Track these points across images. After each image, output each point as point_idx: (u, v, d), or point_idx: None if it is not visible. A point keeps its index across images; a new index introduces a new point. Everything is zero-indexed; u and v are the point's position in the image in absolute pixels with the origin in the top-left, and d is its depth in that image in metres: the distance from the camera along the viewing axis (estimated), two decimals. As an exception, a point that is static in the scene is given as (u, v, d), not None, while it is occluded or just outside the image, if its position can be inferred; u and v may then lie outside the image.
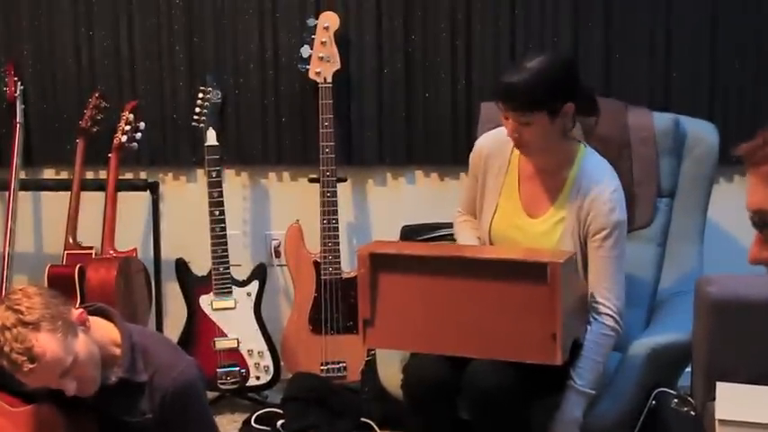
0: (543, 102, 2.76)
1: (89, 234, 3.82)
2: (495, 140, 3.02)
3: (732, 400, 2.57)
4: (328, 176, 3.77)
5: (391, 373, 3.04)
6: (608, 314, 2.85)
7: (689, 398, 2.83)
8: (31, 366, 2.24)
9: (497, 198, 2.99)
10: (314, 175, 3.85)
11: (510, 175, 2.98)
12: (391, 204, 4.06)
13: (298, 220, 3.90)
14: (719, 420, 2.49)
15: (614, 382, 2.94)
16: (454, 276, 2.72)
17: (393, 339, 2.85)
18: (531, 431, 2.83)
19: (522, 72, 2.76)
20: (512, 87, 2.75)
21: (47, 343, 2.25)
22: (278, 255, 4.09)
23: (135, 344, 2.49)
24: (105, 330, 2.49)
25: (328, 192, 3.77)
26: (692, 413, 2.73)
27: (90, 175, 4.02)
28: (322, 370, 3.83)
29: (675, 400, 2.79)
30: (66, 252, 3.77)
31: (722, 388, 2.63)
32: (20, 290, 2.33)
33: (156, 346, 2.55)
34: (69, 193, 3.83)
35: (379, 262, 2.78)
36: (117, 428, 2.47)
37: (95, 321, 2.46)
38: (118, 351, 2.47)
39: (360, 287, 2.81)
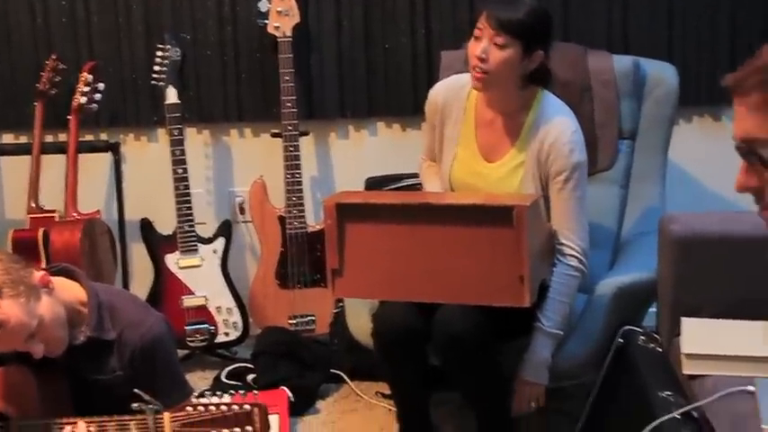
0: (526, 34, 2.77)
1: (52, 197, 3.78)
2: (450, 88, 3.02)
3: (697, 334, 2.62)
4: (290, 131, 3.75)
5: (361, 324, 3.06)
6: (572, 255, 2.87)
7: (655, 334, 2.86)
8: None
9: (455, 146, 2.99)
10: (276, 131, 3.83)
11: (466, 121, 2.98)
12: (354, 157, 4.06)
13: (261, 176, 3.89)
14: (685, 354, 2.54)
15: (581, 323, 2.97)
16: (421, 223, 2.73)
17: (362, 288, 2.87)
18: (501, 374, 2.86)
19: (518, 2, 2.78)
20: (509, 6, 2.77)
21: (10, 309, 2.23)
22: (243, 211, 4.08)
23: (101, 302, 2.47)
24: (71, 290, 2.47)
25: (291, 146, 3.76)
26: (659, 349, 2.77)
27: (50, 138, 3.96)
28: (291, 324, 3.85)
29: (642, 337, 2.82)
30: (29, 216, 3.73)
31: (687, 323, 2.68)
32: None
33: (123, 303, 2.54)
34: (30, 157, 3.78)
35: (346, 212, 2.79)
36: (87, 387, 2.46)
37: (60, 282, 2.44)
38: (85, 310, 2.45)
39: (327, 238, 2.82)
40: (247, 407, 2.25)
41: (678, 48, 3.78)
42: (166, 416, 2.27)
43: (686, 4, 3.77)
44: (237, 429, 2.24)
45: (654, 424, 2.31)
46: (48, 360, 2.39)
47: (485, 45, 2.77)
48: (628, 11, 3.78)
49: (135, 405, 2.28)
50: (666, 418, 2.32)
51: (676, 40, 3.78)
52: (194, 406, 2.27)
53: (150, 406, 2.27)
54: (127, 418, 2.31)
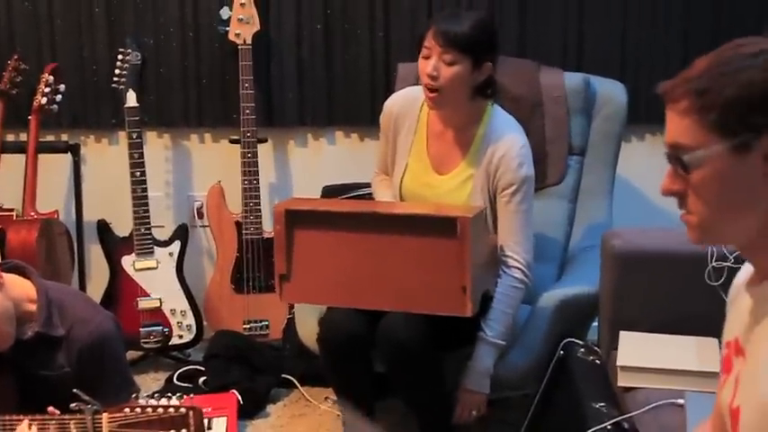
0: (474, 48, 2.83)
1: (11, 196, 3.81)
2: (404, 100, 3.08)
3: (633, 347, 2.68)
4: (249, 137, 3.80)
5: (309, 330, 3.10)
6: (517, 267, 2.93)
7: (596, 347, 2.93)
8: None
9: (407, 157, 3.05)
10: (235, 137, 3.88)
11: (419, 133, 3.04)
12: (312, 165, 4.11)
13: (219, 181, 3.93)
14: (620, 367, 2.61)
15: (524, 334, 3.04)
16: (368, 232, 2.79)
17: (309, 294, 2.92)
18: (443, 382, 2.91)
19: (462, 17, 2.85)
20: (454, 21, 2.83)
21: None
22: (201, 216, 4.12)
23: (51, 299, 2.49)
24: (21, 287, 2.48)
25: (249, 153, 3.81)
26: (598, 362, 2.83)
27: (11, 137, 3.99)
28: (245, 329, 3.89)
29: (582, 350, 2.88)
30: (-14, 214, 3.77)
31: (624, 336, 2.74)
32: None
33: (72, 300, 2.56)
34: (-9, 155, 3.82)
35: (295, 218, 2.84)
36: (34, 382, 2.47)
37: (10, 278, 2.46)
38: (34, 307, 2.47)
39: (276, 243, 2.87)
40: (183, 410, 2.27)
41: (631, 67, 3.85)
42: (105, 416, 2.29)
43: (640, 25, 3.84)
44: (173, 431, 2.27)
45: (585, 433, 2.37)
46: (-8, 355, 2.41)
47: (434, 62, 2.83)
48: (583, 29, 3.86)
49: (74, 405, 2.30)
50: (597, 428, 2.39)
51: (629, 60, 3.86)
52: (132, 407, 2.29)
53: (89, 406, 2.30)
54: (67, 417, 2.32)
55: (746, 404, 1.44)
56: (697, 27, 3.82)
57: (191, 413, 2.27)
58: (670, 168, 1.47)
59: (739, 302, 1.56)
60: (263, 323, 3.90)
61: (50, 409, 2.33)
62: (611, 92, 3.47)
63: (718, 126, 1.40)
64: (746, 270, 1.57)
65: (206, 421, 3.28)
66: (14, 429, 2.34)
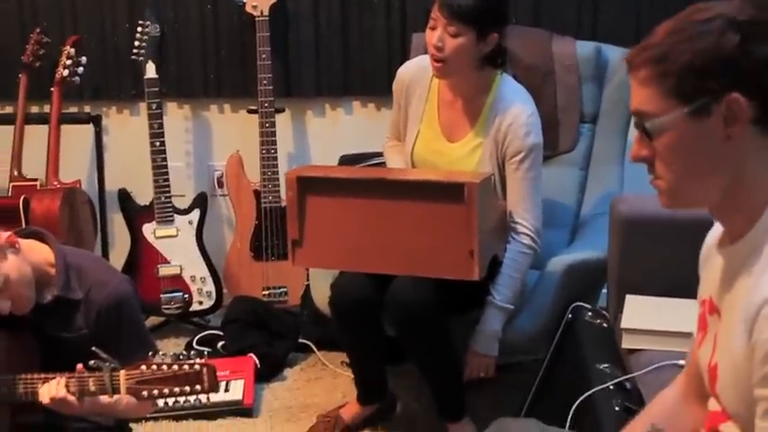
0: (478, 19, 2.85)
1: (35, 167, 3.89)
2: (416, 68, 3.12)
3: (638, 310, 2.72)
4: (266, 108, 3.86)
5: (323, 295, 3.15)
6: (525, 233, 2.98)
7: (604, 311, 2.97)
8: None
9: (418, 124, 3.10)
10: (253, 107, 3.93)
11: (430, 101, 3.09)
12: (329, 134, 4.17)
13: (238, 151, 4.00)
14: (624, 329, 2.65)
15: (533, 299, 3.08)
16: (378, 197, 2.84)
17: (320, 259, 2.98)
18: (451, 344, 2.97)
19: None
20: None
21: None
22: (221, 185, 4.19)
23: (69, 263, 2.56)
24: (39, 252, 2.55)
25: (267, 122, 3.87)
26: (605, 325, 2.88)
27: (35, 109, 4.07)
28: (264, 295, 3.96)
29: (590, 314, 2.92)
30: (11, 184, 3.84)
31: (630, 300, 2.78)
32: None
33: (89, 264, 2.62)
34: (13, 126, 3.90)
35: (307, 185, 2.90)
36: (55, 344, 2.55)
37: (28, 243, 2.53)
38: (52, 271, 2.53)
39: (288, 209, 2.93)
40: (197, 367, 2.35)
41: (645, 36, 3.84)
42: (122, 373, 2.36)
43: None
44: (187, 387, 2.33)
45: (587, 394, 2.42)
46: (16, 318, 2.48)
47: (440, 34, 2.87)
48: (597, -1, 3.88)
49: (92, 362, 2.38)
50: (599, 388, 2.44)
51: (643, 29, 3.81)
52: (148, 365, 2.37)
53: (107, 363, 2.37)
54: (85, 374, 2.40)
55: (722, 362, 1.49)
56: (711, -5, 3.82)
57: (204, 370, 2.34)
58: (637, 135, 1.51)
59: (711, 262, 1.60)
60: (282, 289, 3.96)
61: (79, 366, 2.40)
62: (623, 60, 3.47)
63: (676, 92, 1.43)
64: (717, 230, 1.61)
65: (223, 384, 3.38)
66: (37, 388, 2.43)
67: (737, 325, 1.42)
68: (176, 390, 2.33)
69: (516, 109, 2.95)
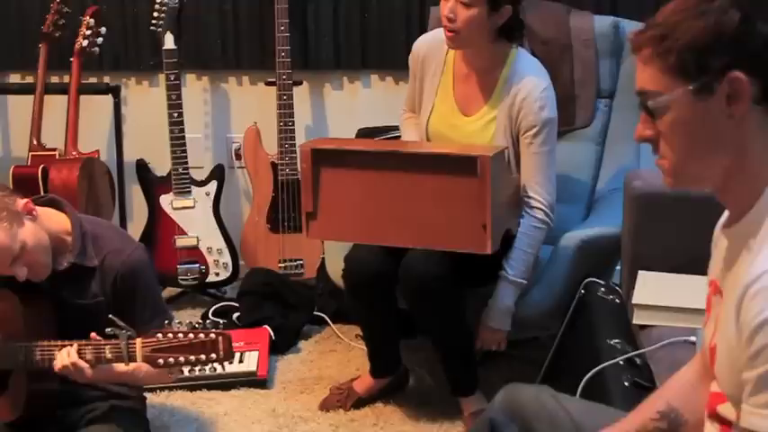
0: None
1: (54, 137, 3.91)
2: (431, 42, 3.12)
3: (650, 286, 2.72)
4: (284, 80, 3.86)
5: (338, 268, 3.16)
6: (539, 208, 2.98)
7: (617, 287, 2.97)
8: None
9: (433, 98, 3.10)
10: (271, 79, 3.94)
11: (445, 75, 3.09)
12: (347, 107, 4.17)
13: (255, 123, 4.01)
14: (635, 305, 2.65)
15: (546, 273, 3.09)
16: (392, 170, 2.85)
17: (334, 231, 3.00)
18: (464, 317, 2.98)
19: None
20: None
21: None
22: (238, 157, 4.21)
23: (85, 231, 2.59)
24: (56, 220, 2.58)
25: (284, 95, 3.87)
26: (617, 300, 2.88)
27: (55, 79, 4.10)
28: (280, 267, 3.97)
29: (603, 289, 2.92)
30: (30, 153, 3.87)
31: (642, 276, 2.78)
32: None
33: (105, 232, 2.65)
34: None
35: (321, 157, 2.91)
36: (71, 311, 2.58)
37: (45, 211, 2.56)
38: (69, 238, 2.56)
39: (302, 181, 2.95)
40: (213, 335, 2.37)
41: (665, 11, 3.82)
42: (138, 341, 2.39)
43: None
44: (203, 355, 2.36)
45: (596, 369, 2.43)
46: (33, 285, 2.51)
47: (452, 4, 2.87)
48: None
49: (109, 330, 2.41)
50: (609, 363, 2.44)
51: (663, 4, 3.82)
52: (164, 333, 2.39)
53: (123, 331, 2.40)
54: (102, 342, 2.43)
55: (720, 343, 1.49)
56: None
57: (220, 338, 2.36)
58: (642, 115, 1.51)
59: (719, 244, 1.60)
60: (298, 262, 3.98)
61: (93, 334, 2.43)
62: (627, 39, 3.46)
63: (678, 70, 1.43)
64: (727, 212, 1.61)
65: (238, 355, 3.40)
66: (54, 355, 2.46)
67: (731, 306, 1.43)
68: (192, 358, 2.36)
69: (530, 83, 2.94)
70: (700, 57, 1.41)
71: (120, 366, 2.48)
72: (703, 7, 1.42)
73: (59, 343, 2.48)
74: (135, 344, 2.40)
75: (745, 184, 1.46)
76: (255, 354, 3.46)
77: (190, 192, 3.93)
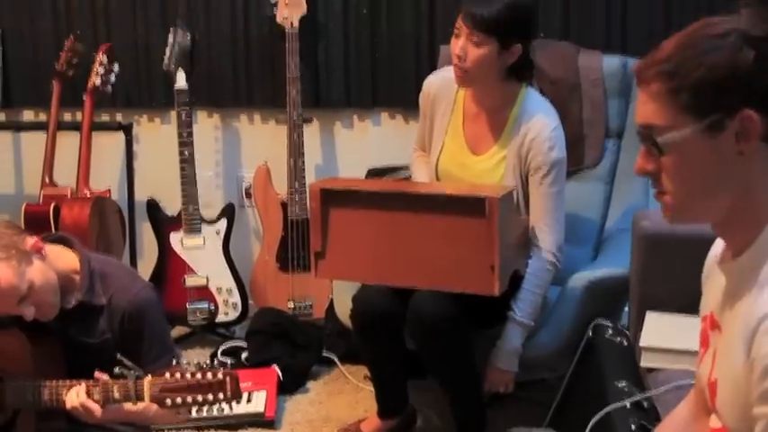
0: (501, 30, 2.85)
1: (66, 174, 3.94)
2: (441, 81, 3.12)
3: (657, 328, 2.70)
4: (295, 118, 3.88)
5: (346, 308, 3.16)
6: (547, 249, 2.97)
7: (625, 329, 2.95)
8: None
9: (443, 137, 3.10)
10: (282, 117, 3.95)
11: (455, 114, 3.09)
12: (357, 146, 4.18)
13: (266, 162, 4.02)
14: (642, 347, 2.63)
15: (554, 315, 3.07)
16: (400, 210, 2.85)
17: (342, 271, 2.99)
18: (472, 359, 2.96)
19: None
20: (484, 3, 2.85)
21: (1, 271, 2.35)
22: (249, 196, 4.22)
23: (93, 269, 2.58)
24: (64, 257, 2.58)
25: (295, 134, 3.89)
26: (625, 343, 2.86)
27: (68, 116, 4.13)
28: (289, 307, 3.97)
29: (610, 331, 2.90)
30: (42, 192, 3.89)
31: (650, 317, 2.76)
32: None
33: (113, 270, 2.65)
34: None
35: (330, 197, 2.91)
36: (79, 350, 2.57)
37: (54, 249, 2.56)
38: (77, 276, 2.56)
39: (311, 221, 2.95)
40: (220, 376, 2.37)
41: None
42: (146, 381, 2.39)
43: (683, 7, 3.82)
44: (210, 395, 2.35)
45: (603, 411, 2.41)
46: (41, 324, 2.50)
47: (462, 43, 2.88)
48: (626, 12, 3.85)
49: (117, 370, 2.41)
50: (617, 406, 2.42)
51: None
52: (172, 373, 2.39)
53: (131, 371, 2.40)
54: (110, 381, 2.42)
55: (723, 377, 1.48)
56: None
57: (228, 378, 2.36)
58: (643, 148, 1.50)
59: (713, 278, 1.59)
60: (307, 302, 3.97)
61: (97, 373, 2.43)
62: (631, 71, 3.46)
63: (689, 107, 1.42)
64: (718, 245, 1.60)
65: (246, 395, 3.34)
66: (62, 394, 2.46)
67: (737, 341, 1.41)
68: (200, 398, 2.35)
69: (540, 122, 2.94)
70: (713, 94, 1.41)
71: (129, 406, 2.47)
72: (716, 43, 1.42)
73: (68, 382, 2.48)
74: (143, 383, 2.39)
75: (748, 220, 1.46)
76: (263, 394, 3.44)
77: (200, 230, 3.94)
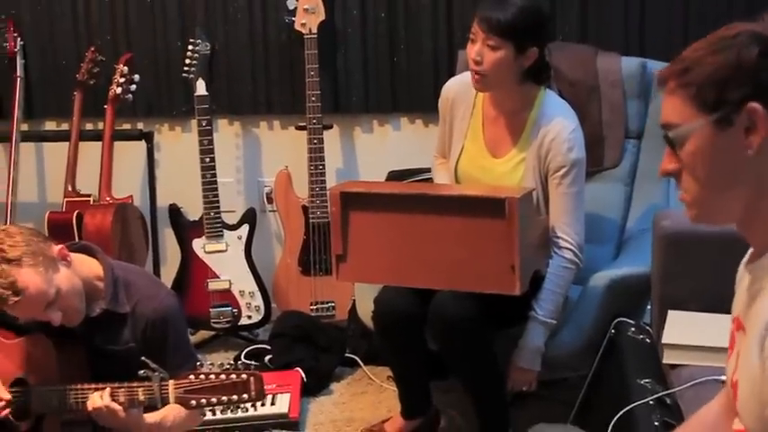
0: (516, 33, 2.87)
1: (88, 182, 3.98)
2: (460, 85, 3.15)
3: (679, 326, 2.71)
4: (314, 124, 3.90)
5: (368, 310, 3.18)
6: (568, 248, 2.98)
7: (648, 326, 2.96)
8: (15, 299, 2.37)
9: (463, 140, 3.12)
10: (302, 123, 3.98)
11: (474, 117, 3.11)
12: (377, 150, 4.21)
13: (286, 167, 4.05)
14: (664, 344, 2.64)
15: (575, 314, 3.08)
16: (420, 213, 2.87)
17: (363, 273, 3.02)
18: (494, 359, 2.98)
19: (508, 3, 2.88)
20: (499, 8, 2.87)
21: (29, 277, 2.38)
22: (270, 201, 4.25)
23: (117, 277, 2.62)
24: (89, 266, 2.61)
25: (315, 139, 3.91)
26: (648, 340, 2.87)
27: (90, 126, 4.17)
28: (312, 309, 4.00)
29: (633, 329, 2.92)
30: (65, 200, 3.94)
31: (672, 315, 2.77)
32: (2, 230, 2.46)
33: (137, 278, 2.68)
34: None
35: (350, 200, 2.94)
36: (104, 358, 2.61)
37: (78, 257, 2.59)
38: (101, 285, 2.59)
39: (332, 224, 2.98)
40: (244, 376, 2.40)
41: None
42: (171, 383, 2.42)
43: (702, 9, 3.84)
44: (235, 396, 2.39)
45: (626, 408, 2.42)
46: (67, 331, 2.54)
47: (479, 47, 2.90)
48: (645, 14, 3.87)
49: (142, 372, 2.44)
50: (639, 403, 2.44)
51: (691, 43, 3.84)
52: (196, 374, 2.42)
53: (156, 374, 2.43)
54: (135, 384, 2.46)
55: (742, 378, 1.49)
56: (760, 9, 3.80)
57: (251, 379, 2.39)
58: (667, 149, 1.52)
59: (742, 279, 1.61)
60: (330, 304, 4.00)
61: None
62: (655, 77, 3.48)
63: (699, 102, 1.46)
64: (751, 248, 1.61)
65: (270, 397, 3.42)
66: (87, 398, 2.49)
67: (754, 341, 1.43)
68: (224, 398, 2.38)
69: (559, 124, 2.96)
70: (719, 89, 1.44)
71: (151, 415, 2.51)
72: (725, 42, 1.46)
73: (93, 386, 2.50)
74: (168, 385, 2.42)
75: (764, 219, 1.47)
76: (287, 396, 3.47)
77: (222, 235, 3.97)
